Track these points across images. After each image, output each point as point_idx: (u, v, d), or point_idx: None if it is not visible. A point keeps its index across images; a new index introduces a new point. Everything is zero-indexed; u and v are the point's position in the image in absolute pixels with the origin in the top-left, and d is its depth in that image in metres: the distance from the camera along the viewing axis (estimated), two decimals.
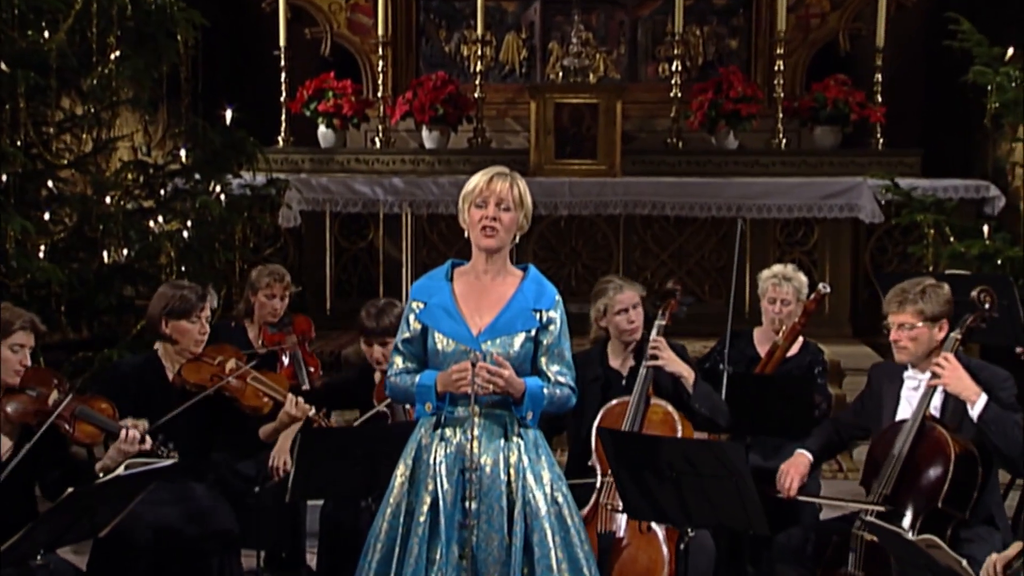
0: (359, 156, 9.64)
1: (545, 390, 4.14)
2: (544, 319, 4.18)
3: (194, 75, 7.94)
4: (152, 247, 7.37)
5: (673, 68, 9.65)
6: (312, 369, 6.41)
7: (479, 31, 9.54)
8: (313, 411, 5.15)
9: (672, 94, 9.58)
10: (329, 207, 9.16)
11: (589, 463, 5.32)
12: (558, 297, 4.24)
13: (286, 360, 6.32)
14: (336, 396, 5.66)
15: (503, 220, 4.13)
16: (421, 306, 4.22)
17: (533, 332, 4.17)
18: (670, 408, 5.28)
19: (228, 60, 9.81)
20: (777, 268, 6.11)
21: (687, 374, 5.36)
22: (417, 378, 4.16)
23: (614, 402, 5.35)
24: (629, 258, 9.21)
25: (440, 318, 4.16)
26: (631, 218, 9.16)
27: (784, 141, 9.54)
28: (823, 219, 9.01)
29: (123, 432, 4.66)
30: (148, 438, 4.69)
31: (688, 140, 9.66)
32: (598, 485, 5.18)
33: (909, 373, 4.90)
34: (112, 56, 7.23)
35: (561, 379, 4.19)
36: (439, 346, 4.14)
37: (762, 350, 6.00)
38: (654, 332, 5.46)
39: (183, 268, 7.46)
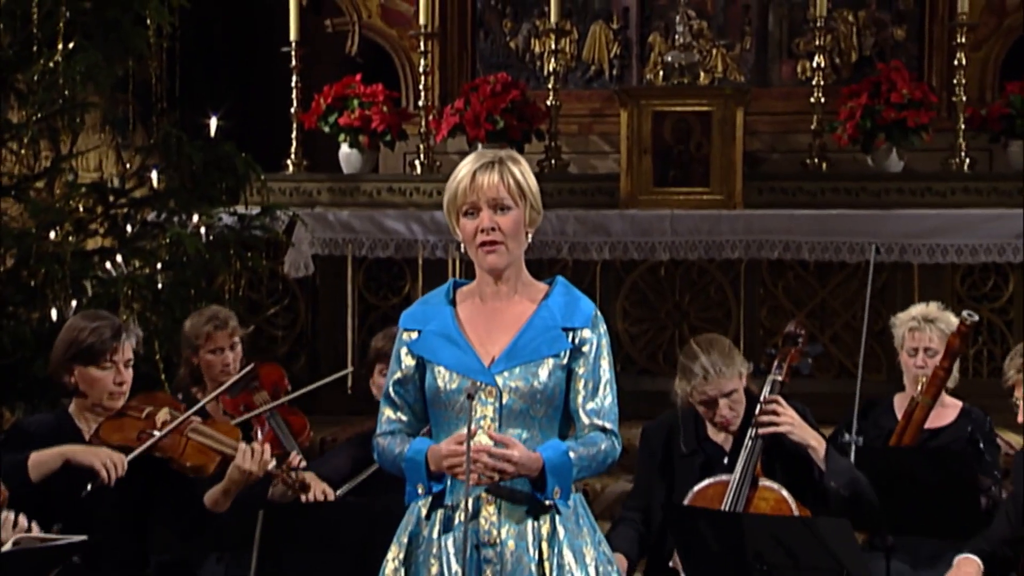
0: (393, 184, 9.69)
1: (572, 454, 4.08)
2: (577, 340, 4.15)
3: (171, 74, 8.13)
4: (109, 296, 7.48)
5: (815, 65, 9.62)
6: (298, 429, 6.45)
7: (553, 19, 9.61)
8: (274, 464, 5.17)
9: (814, 99, 9.53)
10: (352, 250, 9.24)
11: (671, 564, 5.31)
12: (597, 312, 4.21)
13: (263, 427, 6.36)
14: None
15: (504, 225, 4.12)
16: (414, 336, 4.22)
17: (564, 357, 4.14)
18: (785, 493, 5.26)
19: (222, 58, 10.02)
20: (917, 309, 6.06)
21: (816, 443, 5.34)
22: (407, 447, 4.16)
23: (708, 482, 5.37)
24: (753, 318, 9.12)
25: (439, 347, 4.16)
26: (756, 264, 9.09)
27: (967, 161, 9.42)
28: (1020, 265, 8.88)
29: None
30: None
31: (835, 160, 9.59)
32: None
33: None
34: (60, 47, 7.44)
35: (597, 423, 4.14)
36: (440, 383, 4.14)
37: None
38: (767, 389, 5.45)
39: (150, 325, 7.60)
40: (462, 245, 4.21)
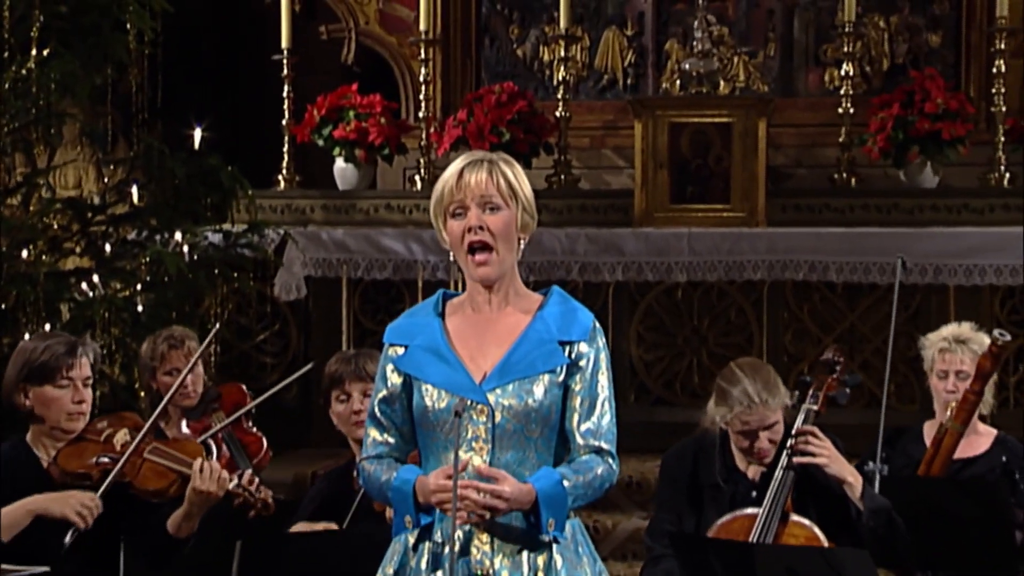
0: (391, 201, 9.71)
1: (566, 482, 4.03)
2: (574, 354, 4.13)
3: (153, 84, 8.14)
4: (85, 320, 7.48)
5: (843, 73, 9.62)
6: (254, 450, 6.46)
7: (563, 24, 9.61)
8: (236, 483, 5.15)
9: (842, 110, 9.53)
10: (347, 271, 9.24)
11: None
12: (595, 324, 4.18)
13: (223, 450, 6.37)
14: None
15: (493, 225, 4.08)
16: (400, 351, 4.19)
17: (560, 373, 4.11)
18: (816, 530, 5.22)
19: (207, 67, 10.04)
20: (948, 330, 6.01)
21: (852, 479, 5.32)
22: (394, 475, 4.14)
23: (733, 515, 5.32)
24: (776, 343, 9.09)
25: (427, 364, 4.13)
26: (779, 286, 9.08)
27: (1007, 176, 9.40)
28: None
29: None
30: None
31: (865, 176, 9.59)
32: None
33: None
34: (34, 53, 7.46)
35: (593, 444, 4.11)
36: (428, 402, 4.11)
37: None
38: (801, 419, 5.42)
39: (129, 351, 7.60)
40: (451, 254, 4.19)
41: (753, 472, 5.50)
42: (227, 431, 6.34)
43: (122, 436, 5.25)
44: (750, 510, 5.29)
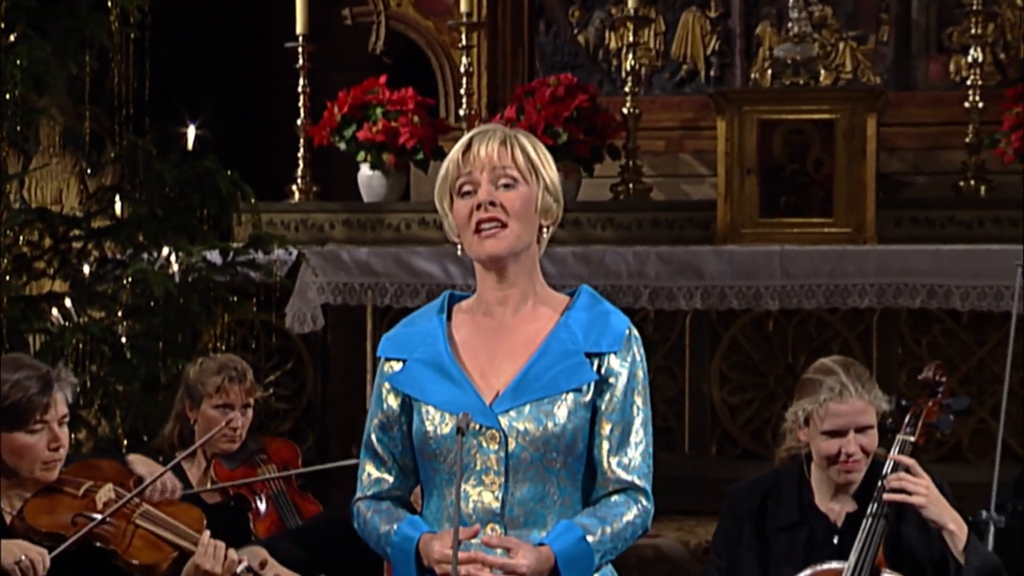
0: (426, 215, 9.72)
1: (590, 537, 3.98)
2: (604, 369, 4.11)
3: (139, 73, 8.19)
4: (55, 352, 7.51)
5: (971, 61, 9.59)
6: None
7: (631, 5, 9.64)
8: (245, 565, 5.17)
9: (970, 105, 9.51)
10: (372, 298, 9.28)
11: None
12: (631, 331, 4.13)
13: (262, 506, 6.39)
14: (334, 543, 5.75)
15: (509, 203, 4.05)
16: (396, 367, 4.20)
17: (587, 392, 4.08)
18: None
19: (206, 55, 10.10)
20: None
21: (955, 527, 5.22)
22: (394, 528, 4.11)
23: (814, 571, 5.26)
24: (889, 384, 8.88)
25: (428, 381, 4.11)
26: (892, 315, 9.05)
27: None
28: None
29: None
30: None
31: (996, 183, 9.55)
32: None
33: None
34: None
35: (624, 478, 4.06)
36: (428, 427, 4.08)
37: None
38: (895, 450, 5.37)
39: (110, 390, 7.64)
40: (459, 247, 4.17)
41: (836, 514, 5.45)
42: (278, 488, 6.39)
43: (106, 493, 5.24)
44: (834, 564, 5.21)
